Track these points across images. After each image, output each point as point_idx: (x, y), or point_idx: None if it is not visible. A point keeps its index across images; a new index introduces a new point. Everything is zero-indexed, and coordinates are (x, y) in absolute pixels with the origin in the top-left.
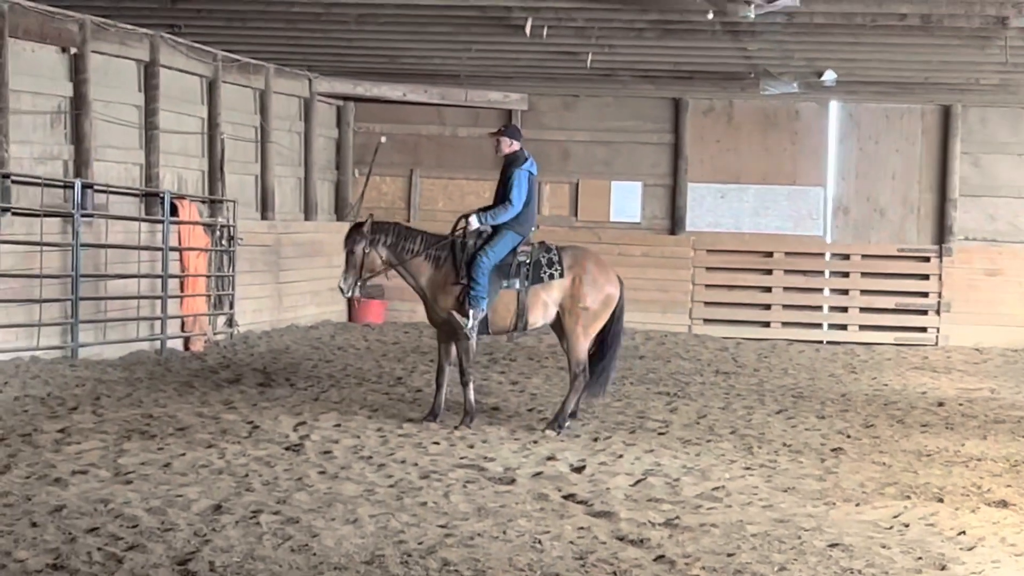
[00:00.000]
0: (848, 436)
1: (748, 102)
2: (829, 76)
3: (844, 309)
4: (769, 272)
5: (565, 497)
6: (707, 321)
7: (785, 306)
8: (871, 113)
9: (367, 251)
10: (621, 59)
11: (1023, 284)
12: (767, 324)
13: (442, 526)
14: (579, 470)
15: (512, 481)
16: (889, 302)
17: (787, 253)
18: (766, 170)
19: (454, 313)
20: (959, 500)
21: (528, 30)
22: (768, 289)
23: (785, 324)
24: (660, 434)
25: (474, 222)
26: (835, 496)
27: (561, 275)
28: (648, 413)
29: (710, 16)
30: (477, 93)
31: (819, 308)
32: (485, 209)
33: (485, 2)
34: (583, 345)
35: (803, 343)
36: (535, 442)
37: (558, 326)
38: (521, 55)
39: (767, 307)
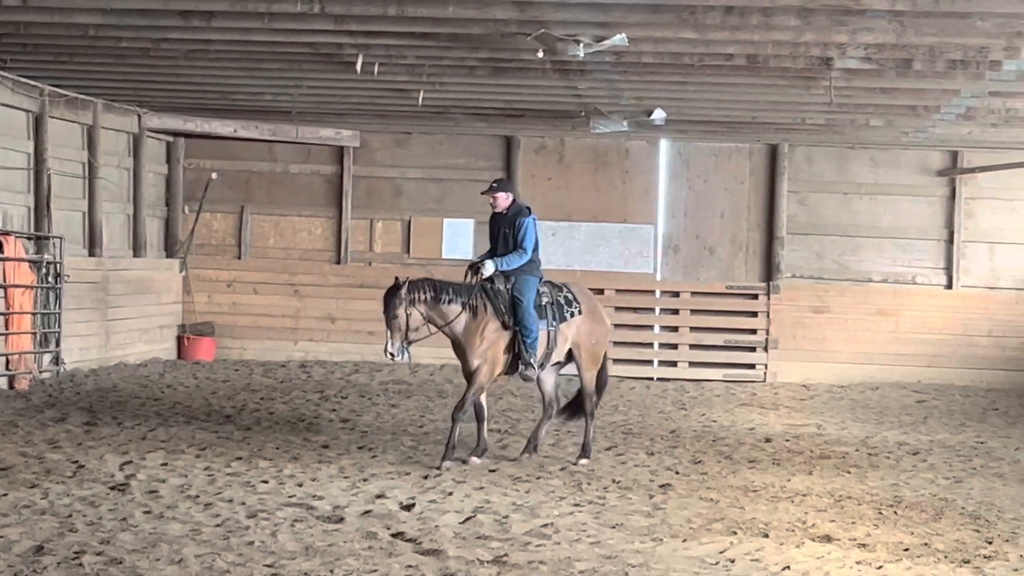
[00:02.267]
0: (677, 472)
1: (579, 140)
2: (658, 115)
3: (674, 346)
4: None
5: (394, 535)
6: None
7: (616, 343)
8: (700, 152)
9: (409, 312)
10: (453, 97)
11: (849, 321)
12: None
13: (269, 565)
14: (408, 508)
15: (341, 519)
16: (718, 339)
17: (618, 290)
18: (597, 208)
19: (525, 372)
20: (784, 535)
21: (359, 67)
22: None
23: (616, 361)
24: (490, 471)
25: (489, 267)
26: (663, 532)
27: (580, 312)
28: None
29: (540, 55)
30: (309, 130)
31: (650, 345)
32: (491, 256)
33: (316, 39)
34: (594, 376)
35: (634, 380)
36: (365, 480)
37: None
38: (353, 92)
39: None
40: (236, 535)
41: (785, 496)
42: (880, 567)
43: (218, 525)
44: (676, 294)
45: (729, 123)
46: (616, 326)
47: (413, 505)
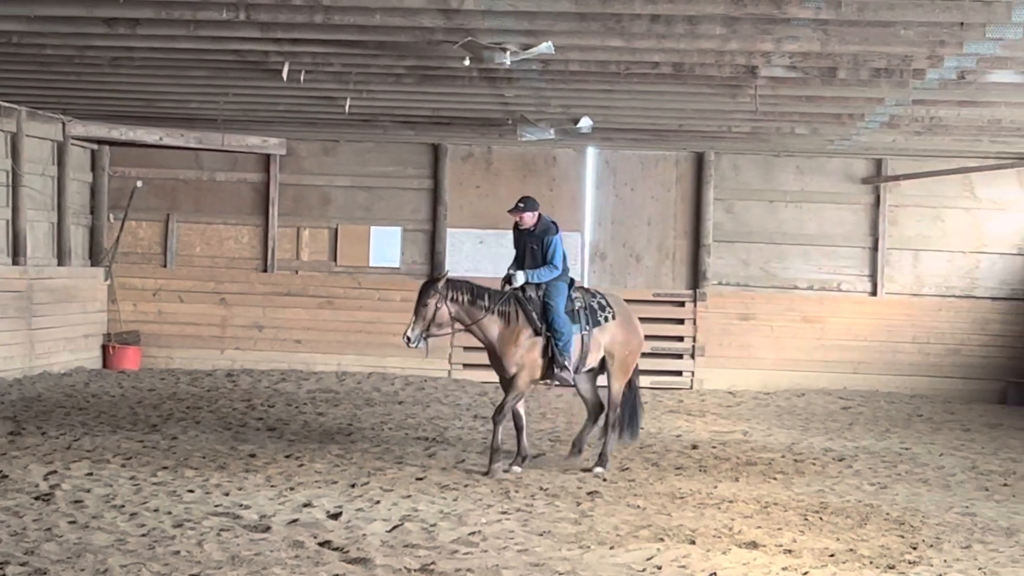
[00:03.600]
0: (604, 479)
1: (507, 148)
2: (585, 123)
3: None
4: None
5: (321, 544)
6: (467, 366)
7: None
8: (627, 160)
9: (439, 306)
10: (380, 104)
11: (775, 328)
12: None
13: (195, 575)
14: (336, 516)
15: (267, 528)
16: (645, 347)
17: None
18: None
19: (560, 375)
20: (711, 542)
21: (285, 75)
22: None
23: None
24: (418, 479)
25: (520, 278)
26: (590, 539)
27: (614, 317)
28: (406, 459)
29: (467, 63)
30: (235, 137)
31: None
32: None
33: (242, 47)
34: (622, 386)
35: (561, 387)
36: (292, 489)
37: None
38: (279, 100)
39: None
40: (162, 545)
41: (712, 503)
42: (805, 573)
43: (144, 535)
44: None
45: (656, 131)
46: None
47: (340, 514)
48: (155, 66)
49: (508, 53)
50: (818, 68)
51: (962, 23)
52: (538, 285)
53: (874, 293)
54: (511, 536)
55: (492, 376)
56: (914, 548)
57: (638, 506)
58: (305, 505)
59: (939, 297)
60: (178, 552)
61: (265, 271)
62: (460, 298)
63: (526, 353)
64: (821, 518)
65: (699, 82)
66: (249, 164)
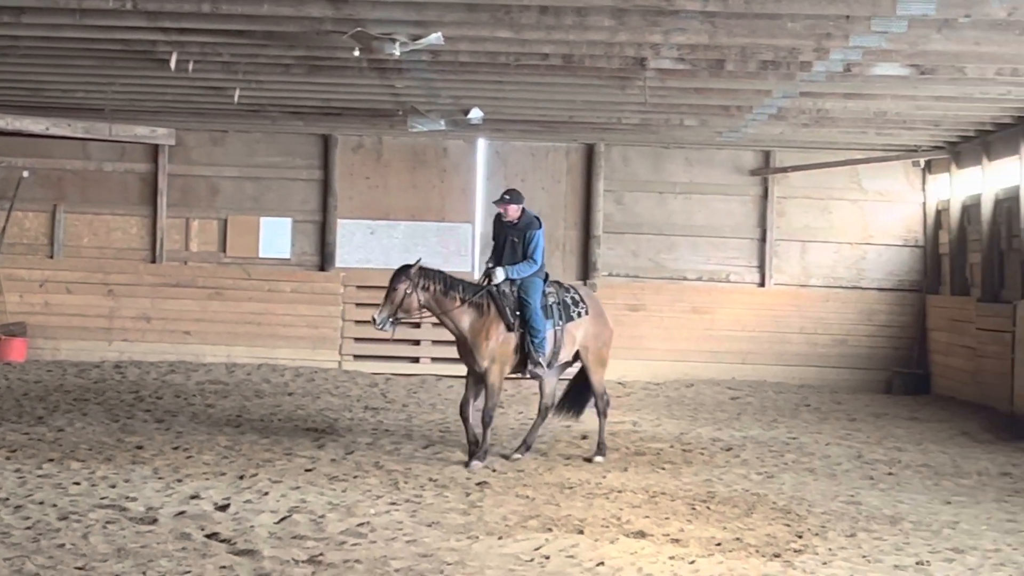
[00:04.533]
0: (493, 470)
1: (397, 139)
2: (475, 114)
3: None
4: None
5: (208, 536)
6: (357, 357)
7: (435, 341)
8: (518, 151)
9: (408, 292)
10: (269, 95)
11: (664, 319)
12: (416, 360)
13: (80, 568)
14: (223, 508)
15: (154, 521)
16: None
17: None
18: (415, 207)
19: (534, 370)
20: (599, 531)
21: (173, 65)
22: (418, 325)
23: (435, 360)
24: (307, 471)
25: (500, 274)
26: (479, 530)
27: (587, 313)
28: (296, 450)
29: (356, 53)
30: (123, 127)
31: None
32: (496, 261)
33: (129, 36)
34: (603, 376)
35: (452, 378)
36: (179, 481)
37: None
38: (167, 90)
39: (416, 343)
40: (46, 537)
41: (600, 493)
42: (692, 562)
43: (28, 528)
44: None
45: (546, 122)
46: (434, 324)
47: (228, 505)
48: (41, 55)
49: (397, 44)
50: (706, 60)
51: (848, 16)
52: (513, 280)
53: (762, 284)
54: (400, 527)
55: (383, 367)
56: (799, 537)
57: (527, 496)
58: (192, 497)
59: (826, 288)
60: (63, 545)
61: (153, 262)
62: (432, 287)
63: (499, 347)
64: (708, 507)
65: (588, 74)
66: (137, 154)
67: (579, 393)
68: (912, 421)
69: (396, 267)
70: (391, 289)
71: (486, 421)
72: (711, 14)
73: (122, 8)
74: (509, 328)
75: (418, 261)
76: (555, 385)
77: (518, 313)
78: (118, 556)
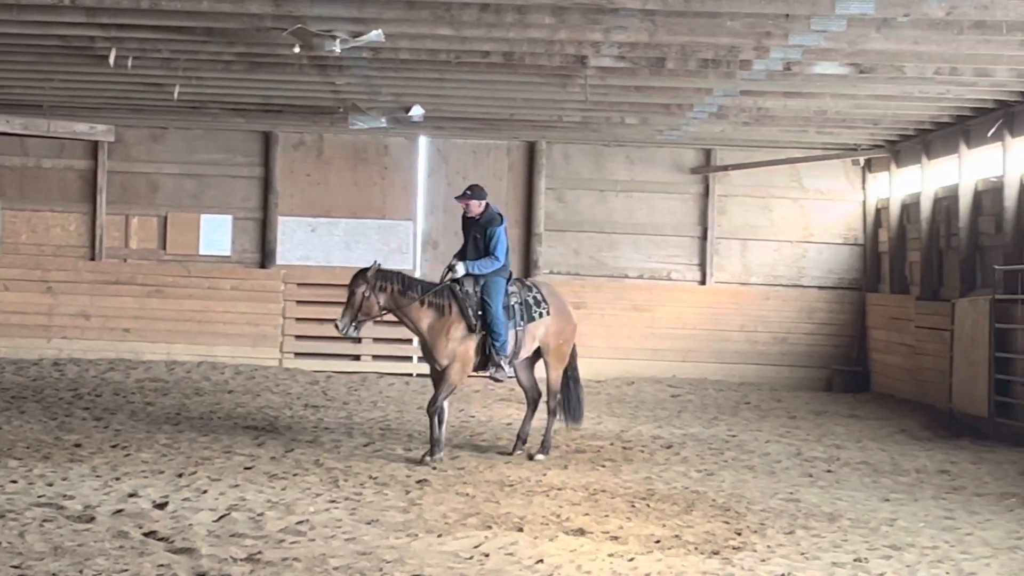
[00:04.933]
0: (434, 468)
1: (338, 136)
2: (416, 111)
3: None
4: None
5: (146, 534)
6: (298, 355)
7: (376, 339)
8: (459, 149)
9: (367, 295)
10: (210, 92)
11: (605, 317)
12: (357, 357)
13: (16, 567)
14: (162, 506)
15: (92, 519)
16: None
17: None
18: (356, 204)
19: (495, 374)
20: (539, 529)
21: (112, 61)
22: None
23: (376, 357)
24: (247, 469)
25: (461, 269)
26: (418, 527)
27: (549, 313)
28: (235, 448)
29: (297, 50)
30: (62, 124)
31: (409, 341)
32: (462, 257)
33: (67, 31)
34: (559, 374)
35: (393, 376)
36: (117, 479)
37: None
38: (107, 86)
39: (358, 340)
40: None
41: (540, 490)
42: (631, 559)
43: None
44: None
45: (487, 120)
46: (375, 323)
47: (166, 504)
48: None
49: (338, 41)
50: (646, 58)
51: (787, 15)
52: (476, 279)
53: (703, 282)
54: (339, 525)
55: (324, 365)
56: (738, 534)
57: (467, 494)
58: (131, 495)
59: (767, 286)
60: None
61: (93, 259)
62: (390, 287)
63: (458, 346)
64: (648, 505)
65: (530, 72)
66: (76, 151)
67: (574, 394)
68: (851, 419)
69: (352, 269)
70: (350, 293)
71: (430, 411)
72: (651, 12)
73: (60, 4)
74: (471, 329)
75: (375, 264)
76: (531, 375)
77: (480, 314)
78: (55, 555)
